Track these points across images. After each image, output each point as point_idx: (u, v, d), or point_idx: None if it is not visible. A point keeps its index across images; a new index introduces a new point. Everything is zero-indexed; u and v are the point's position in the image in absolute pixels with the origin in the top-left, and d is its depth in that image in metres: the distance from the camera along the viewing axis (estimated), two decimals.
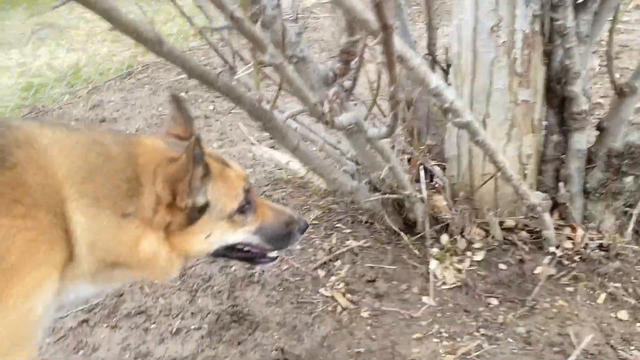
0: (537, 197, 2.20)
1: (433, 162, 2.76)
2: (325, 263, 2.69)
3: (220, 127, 4.65)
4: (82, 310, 2.59)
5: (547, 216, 2.29)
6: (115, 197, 1.46)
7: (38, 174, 1.37)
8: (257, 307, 2.50)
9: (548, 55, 2.37)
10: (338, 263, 2.68)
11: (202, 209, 1.55)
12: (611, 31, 2.36)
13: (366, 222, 2.89)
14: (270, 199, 3.30)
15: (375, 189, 2.58)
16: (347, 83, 2.10)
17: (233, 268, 2.76)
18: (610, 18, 2.37)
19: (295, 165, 3.57)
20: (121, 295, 2.67)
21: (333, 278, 2.59)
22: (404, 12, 2.68)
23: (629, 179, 2.34)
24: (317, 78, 2.16)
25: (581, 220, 2.49)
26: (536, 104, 2.38)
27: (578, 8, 2.25)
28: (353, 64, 2.09)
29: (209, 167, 1.54)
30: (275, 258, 1.87)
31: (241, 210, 1.64)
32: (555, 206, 2.56)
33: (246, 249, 1.77)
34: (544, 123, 2.48)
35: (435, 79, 1.74)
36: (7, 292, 1.31)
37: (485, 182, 2.33)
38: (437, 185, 2.75)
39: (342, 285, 2.53)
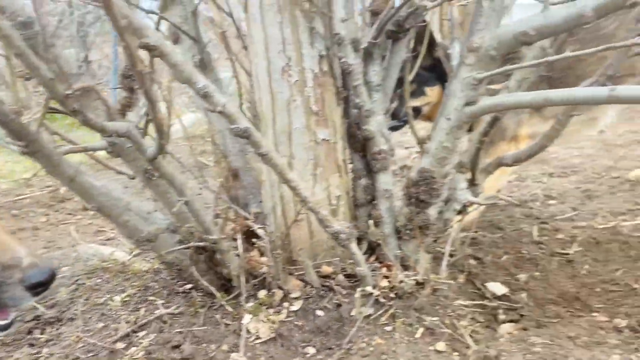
0: (340, 225, 2.13)
1: (257, 226, 2.64)
2: (127, 335, 2.32)
3: (50, 236, 4.29)
4: None
5: (354, 248, 2.19)
6: None
7: None
8: None
9: (346, 101, 2.48)
10: (143, 333, 2.33)
11: None
12: (406, 87, 2.53)
13: (183, 292, 2.60)
14: (83, 286, 2.91)
15: (183, 243, 2.36)
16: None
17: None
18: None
19: (120, 254, 3.33)
20: None
21: (133, 349, 2.22)
22: None
23: (432, 211, 2.36)
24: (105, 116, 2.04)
25: (397, 260, 2.43)
26: (337, 144, 2.42)
27: (367, 58, 2.44)
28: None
29: None
30: (7, 327, 1.41)
31: None
32: (373, 250, 2.50)
33: None
34: (350, 166, 2.51)
35: (202, 79, 1.70)
36: None
37: (297, 216, 2.22)
38: (259, 246, 2.61)
39: (141, 354, 2.17)
